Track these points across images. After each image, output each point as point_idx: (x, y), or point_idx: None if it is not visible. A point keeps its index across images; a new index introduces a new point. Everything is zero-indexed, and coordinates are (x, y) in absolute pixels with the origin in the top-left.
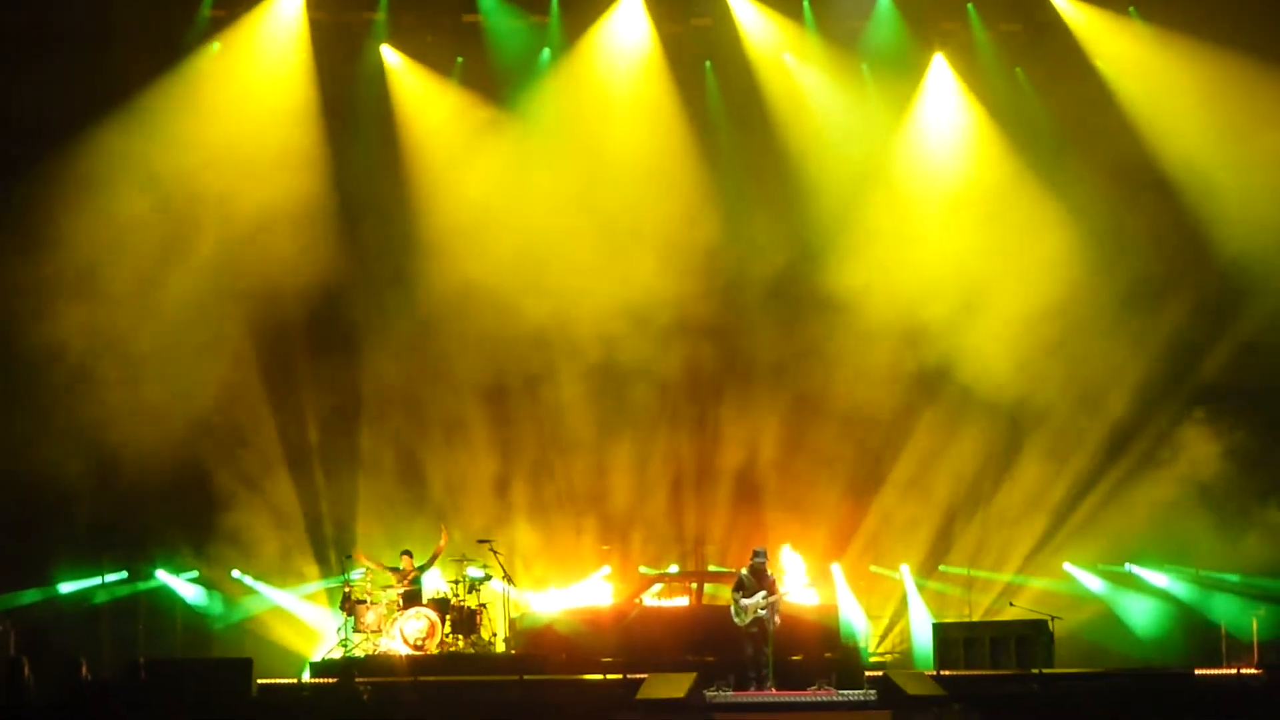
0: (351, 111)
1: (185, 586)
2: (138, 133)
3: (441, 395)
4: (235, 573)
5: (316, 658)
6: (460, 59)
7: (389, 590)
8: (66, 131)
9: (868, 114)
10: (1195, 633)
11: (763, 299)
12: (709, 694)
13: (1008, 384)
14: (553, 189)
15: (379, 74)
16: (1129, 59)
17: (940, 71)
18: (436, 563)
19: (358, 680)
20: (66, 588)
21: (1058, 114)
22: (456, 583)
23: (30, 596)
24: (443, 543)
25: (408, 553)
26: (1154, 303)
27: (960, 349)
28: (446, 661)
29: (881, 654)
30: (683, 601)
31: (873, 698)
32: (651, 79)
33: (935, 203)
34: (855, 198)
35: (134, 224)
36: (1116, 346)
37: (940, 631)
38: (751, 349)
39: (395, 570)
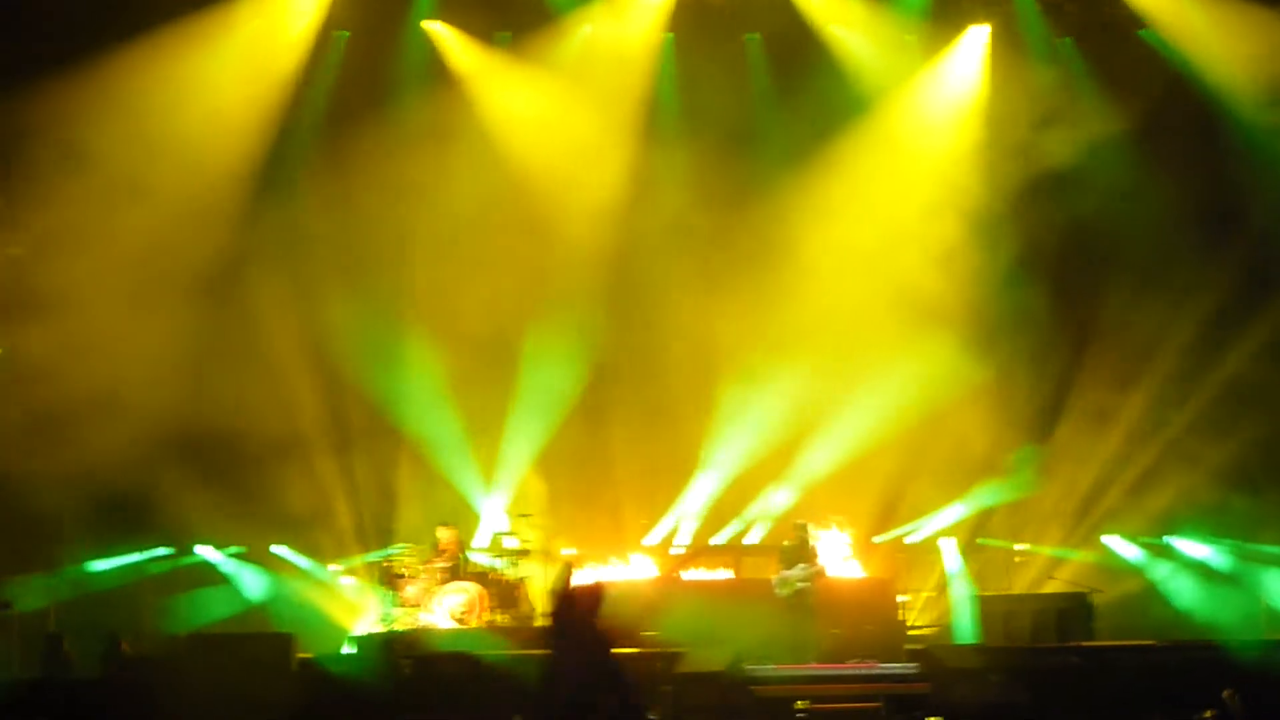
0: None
1: (227, 562)
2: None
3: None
4: (276, 547)
5: (357, 632)
6: (506, 34)
7: (430, 564)
8: None
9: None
10: (1236, 606)
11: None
12: (748, 667)
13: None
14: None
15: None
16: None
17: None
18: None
19: (400, 656)
20: (107, 563)
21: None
22: (498, 556)
23: (71, 572)
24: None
25: (447, 524)
26: (1197, 276)
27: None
28: (487, 635)
29: (922, 627)
30: (724, 574)
31: (914, 670)
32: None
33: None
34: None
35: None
36: (1157, 316)
37: (981, 604)
38: None
39: (434, 546)
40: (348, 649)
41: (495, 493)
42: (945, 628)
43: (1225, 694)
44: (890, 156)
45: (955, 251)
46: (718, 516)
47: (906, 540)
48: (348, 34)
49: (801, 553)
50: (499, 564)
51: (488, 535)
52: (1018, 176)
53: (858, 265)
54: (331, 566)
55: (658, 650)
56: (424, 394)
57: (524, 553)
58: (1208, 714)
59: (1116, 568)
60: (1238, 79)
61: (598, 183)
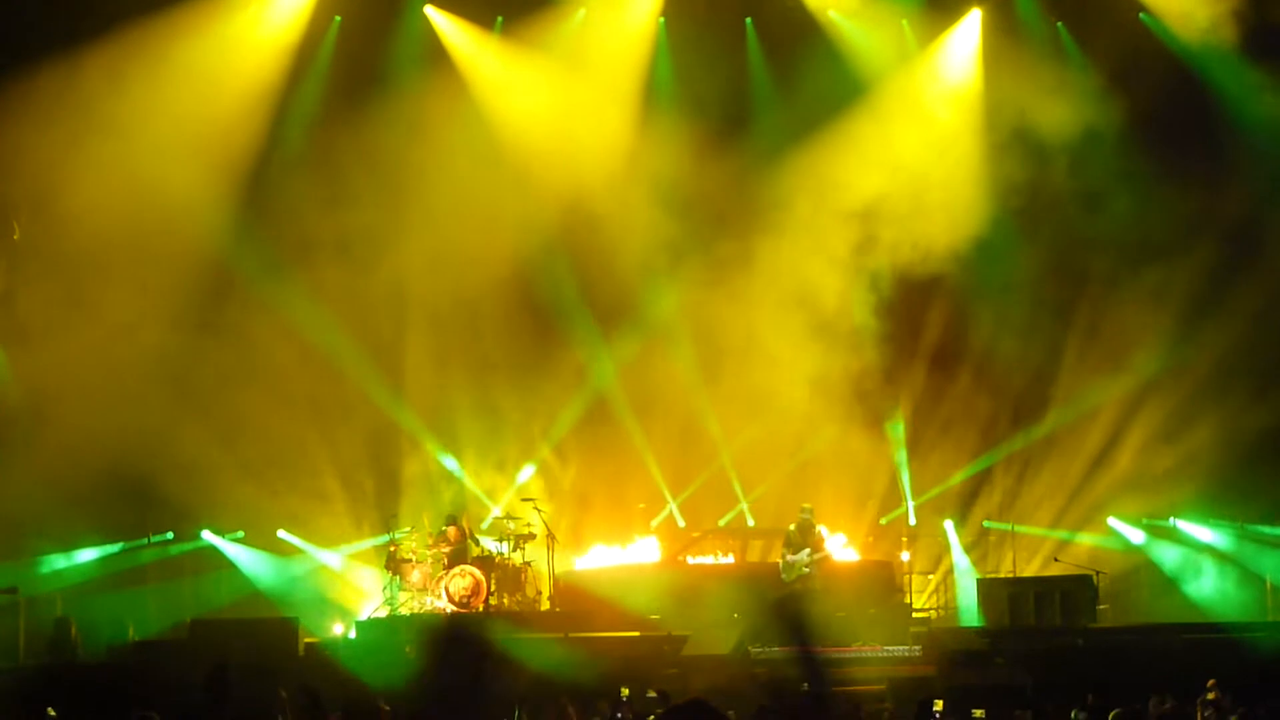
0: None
1: (231, 547)
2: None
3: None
4: (281, 532)
5: (363, 616)
6: (500, 18)
7: (436, 549)
8: None
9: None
10: (1240, 587)
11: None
12: (753, 650)
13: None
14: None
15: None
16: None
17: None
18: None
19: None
20: (112, 549)
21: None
22: (502, 541)
23: (77, 558)
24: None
25: (454, 519)
26: (1189, 260)
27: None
28: (491, 619)
29: (926, 609)
30: (728, 559)
31: (917, 653)
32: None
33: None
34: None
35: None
36: (1156, 296)
37: (984, 586)
38: None
39: (441, 535)
40: (353, 634)
41: (501, 478)
42: (949, 609)
43: (1209, 683)
44: (884, 138)
45: (948, 231)
46: (722, 500)
47: (910, 522)
48: (339, 19)
49: (807, 537)
50: (504, 548)
51: (492, 520)
52: (1012, 157)
53: (854, 245)
54: (336, 551)
55: (664, 634)
56: (426, 379)
57: (529, 537)
58: (1210, 695)
59: (1122, 549)
60: (1231, 61)
61: (594, 165)
